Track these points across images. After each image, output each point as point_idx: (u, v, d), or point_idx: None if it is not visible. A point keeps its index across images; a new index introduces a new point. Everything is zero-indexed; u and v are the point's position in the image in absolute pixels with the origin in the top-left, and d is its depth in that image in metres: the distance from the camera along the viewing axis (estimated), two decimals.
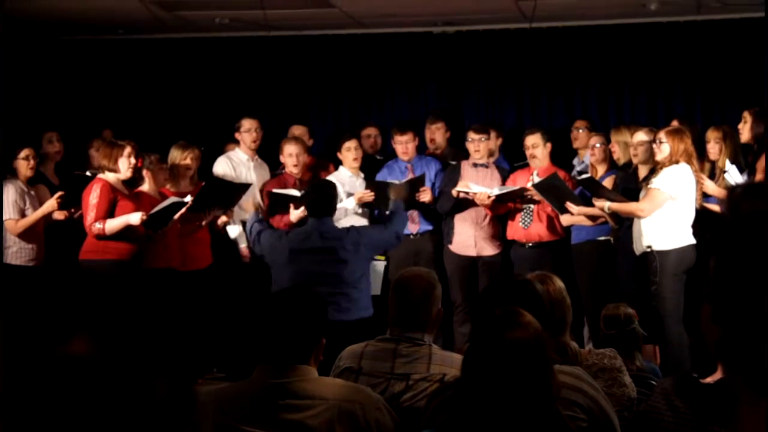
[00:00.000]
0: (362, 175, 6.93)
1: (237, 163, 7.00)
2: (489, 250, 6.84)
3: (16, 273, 6.23)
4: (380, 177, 6.93)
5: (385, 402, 2.90)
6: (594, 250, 6.53)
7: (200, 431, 2.67)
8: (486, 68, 8.29)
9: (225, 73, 8.58)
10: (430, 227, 6.96)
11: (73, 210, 6.41)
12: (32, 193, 6.52)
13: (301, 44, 8.42)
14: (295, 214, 6.24)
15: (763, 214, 1.08)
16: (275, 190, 6.48)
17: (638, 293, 5.77)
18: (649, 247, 5.75)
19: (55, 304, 1.42)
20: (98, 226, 5.86)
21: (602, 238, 6.52)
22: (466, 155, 6.98)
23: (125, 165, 6.01)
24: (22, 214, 6.36)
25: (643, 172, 6.15)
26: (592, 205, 6.14)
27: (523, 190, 6.58)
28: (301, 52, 8.42)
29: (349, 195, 6.67)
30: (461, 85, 8.39)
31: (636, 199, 5.93)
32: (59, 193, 6.34)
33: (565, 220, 6.54)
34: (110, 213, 5.91)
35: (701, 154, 6.19)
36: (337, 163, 7.07)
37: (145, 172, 6.23)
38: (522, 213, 6.73)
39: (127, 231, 5.90)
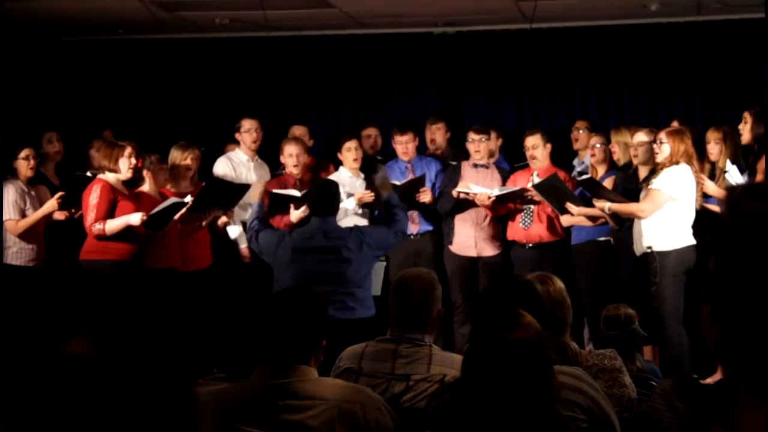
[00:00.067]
0: (362, 175, 6.92)
1: (237, 164, 7.00)
2: (489, 250, 6.84)
3: (17, 273, 6.23)
4: None
5: (385, 402, 2.90)
6: (594, 250, 6.53)
7: (200, 431, 2.67)
8: (486, 69, 8.29)
9: (225, 74, 8.57)
10: (430, 228, 6.96)
11: (73, 210, 6.41)
12: (32, 193, 6.52)
13: (301, 45, 8.42)
14: (296, 214, 6.24)
15: (762, 214, 1.08)
16: (275, 191, 6.48)
17: (638, 294, 5.77)
18: (650, 247, 5.74)
19: (55, 305, 1.42)
20: (98, 226, 5.86)
21: (602, 238, 6.52)
22: (466, 156, 6.98)
23: (125, 165, 6.01)
24: (23, 215, 6.36)
25: (643, 172, 6.15)
26: (593, 206, 6.14)
27: (524, 190, 6.58)
28: (301, 53, 8.42)
29: (350, 195, 6.67)
30: (461, 85, 8.39)
31: (636, 199, 5.92)
32: (60, 194, 6.34)
33: (565, 220, 6.54)
34: (110, 213, 5.91)
35: (701, 154, 6.19)
36: (338, 164, 7.06)
37: (145, 173, 6.23)
38: (522, 213, 6.73)
39: (128, 231, 5.90)
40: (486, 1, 7.31)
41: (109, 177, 6.01)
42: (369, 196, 6.58)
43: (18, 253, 6.35)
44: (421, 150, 7.29)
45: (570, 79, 8.12)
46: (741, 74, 7.39)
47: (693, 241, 5.75)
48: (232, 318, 5.77)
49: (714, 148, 6.24)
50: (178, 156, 6.54)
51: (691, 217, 5.78)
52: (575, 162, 7.27)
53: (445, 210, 6.82)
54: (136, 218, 5.86)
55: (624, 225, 6.15)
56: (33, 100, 8.13)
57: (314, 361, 2.86)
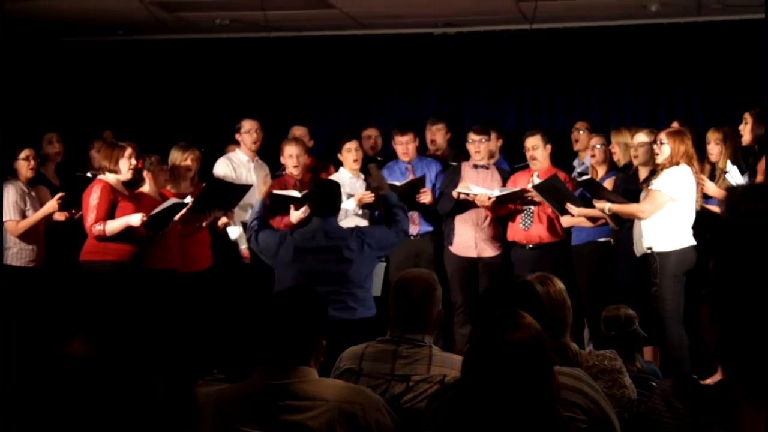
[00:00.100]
0: (362, 176, 6.93)
1: (237, 164, 7.00)
2: (489, 251, 6.84)
3: (17, 274, 6.23)
4: None
5: (385, 403, 2.90)
6: (594, 251, 6.53)
7: None
8: (487, 69, 8.29)
9: (225, 74, 8.58)
10: (430, 228, 6.96)
11: (73, 211, 6.41)
12: (33, 194, 6.52)
13: (302, 45, 8.42)
14: (296, 215, 6.24)
15: (762, 215, 1.08)
16: (276, 191, 6.48)
17: (638, 294, 5.77)
18: (650, 248, 5.74)
19: (55, 305, 1.42)
20: (99, 227, 5.86)
21: (602, 239, 6.52)
22: (466, 156, 6.98)
23: (126, 166, 6.01)
24: (23, 215, 6.36)
25: (643, 173, 6.15)
26: (593, 207, 6.14)
27: (524, 191, 6.58)
28: (301, 53, 8.42)
29: (350, 196, 6.67)
30: (462, 86, 8.39)
31: (636, 200, 5.92)
32: (60, 195, 6.33)
33: (565, 221, 6.54)
34: (111, 214, 5.91)
35: (702, 155, 6.19)
36: (338, 165, 7.07)
37: (145, 173, 6.23)
38: (522, 214, 6.73)
39: (128, 232, 5.90)
40: (486, 1, 7.31)
41: (110, 178, 6.01)
42: (369, 197, 6.58)
43: (18, 254, 6.35)
44: (422, 151, 7.29)
45: (570, 79, 8.12)
46: (741, 75, 7.39)
47: (693, 242, 5.75)
48: (232, 319, 5.76)
49: (714, 148, 6.24)
50: (179, 157, 6.54)
51: (692, 217, 5.78)
52: (575, 163, 7.27)
53: (446, 211, 6.82)
54: (136, 219, 5.86)
55: (624, 226, 6.14)
56: (33, 101, 8.13)
57: (314, 361, 2.86)
